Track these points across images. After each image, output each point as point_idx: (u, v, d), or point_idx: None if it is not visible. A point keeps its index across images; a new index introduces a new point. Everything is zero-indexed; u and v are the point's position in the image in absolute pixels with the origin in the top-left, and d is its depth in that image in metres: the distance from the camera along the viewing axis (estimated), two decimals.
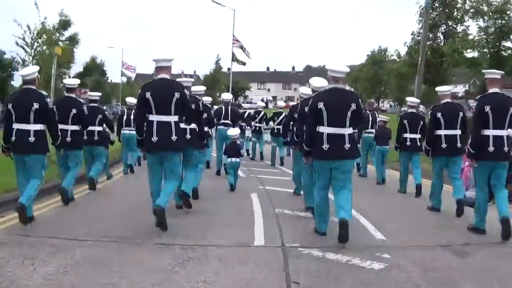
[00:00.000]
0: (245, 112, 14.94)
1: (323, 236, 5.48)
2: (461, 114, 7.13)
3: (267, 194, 8.32)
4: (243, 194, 8.22)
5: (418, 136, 8.79)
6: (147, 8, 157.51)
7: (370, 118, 11.05)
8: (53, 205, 6.90)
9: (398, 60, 35.06)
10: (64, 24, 27.73)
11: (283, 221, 6.25)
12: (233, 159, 8.94)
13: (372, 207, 7.31)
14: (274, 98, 60.63)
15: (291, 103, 9.81)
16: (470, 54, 29.61)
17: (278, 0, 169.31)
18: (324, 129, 5.30)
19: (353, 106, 5.32)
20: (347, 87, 5.90)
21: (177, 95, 5.61)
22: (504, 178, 5.78)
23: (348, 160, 5.41)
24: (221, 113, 11.34)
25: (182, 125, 6.52)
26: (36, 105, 5.63)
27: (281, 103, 15.99)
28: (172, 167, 5.78)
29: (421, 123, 8.80)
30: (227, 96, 12.40)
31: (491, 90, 5.76)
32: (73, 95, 7.27)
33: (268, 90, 77.91)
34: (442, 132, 7.08)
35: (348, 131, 5.31)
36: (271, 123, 14.04)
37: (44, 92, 5.94)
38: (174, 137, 5.63)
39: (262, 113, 14.48)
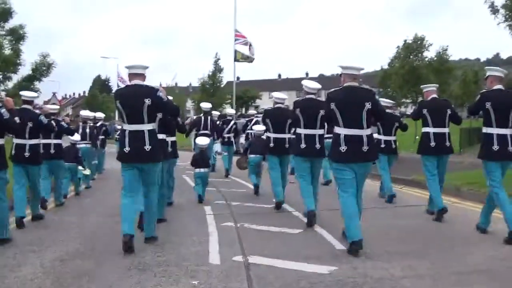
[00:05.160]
0: (234, 123, 12.80)
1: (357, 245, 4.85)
2: (449, 111, 6.69)
3: None
4: None
5: (393, 138, 8.13)
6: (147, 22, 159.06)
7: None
8: None
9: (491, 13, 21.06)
10: (4, 13, 20.87)
11: None
12: (201, 170, 8.36)
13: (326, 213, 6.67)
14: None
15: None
16: None
17: (289, 7, 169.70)
18: (341, 131, 5.05)
19: (368, 105, 4.93)
20: (366, 86, 5.41)
21: (147, 101, 5.17)
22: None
23: (366, 163, 5.13)
24: (200, 123, 10.85)
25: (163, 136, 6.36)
26: None
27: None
28: (149, 180, 5.39)
29: (396, 124, 8.19)
30: (206, 105, 11.79)
31: (495, 87, 5.53)
32: (30, 107, 6.70)
33: None
34: (430, 130, 6.66)
35: (366, 132, 5.04)
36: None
37: None
38: (147, 147, 5.21)
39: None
